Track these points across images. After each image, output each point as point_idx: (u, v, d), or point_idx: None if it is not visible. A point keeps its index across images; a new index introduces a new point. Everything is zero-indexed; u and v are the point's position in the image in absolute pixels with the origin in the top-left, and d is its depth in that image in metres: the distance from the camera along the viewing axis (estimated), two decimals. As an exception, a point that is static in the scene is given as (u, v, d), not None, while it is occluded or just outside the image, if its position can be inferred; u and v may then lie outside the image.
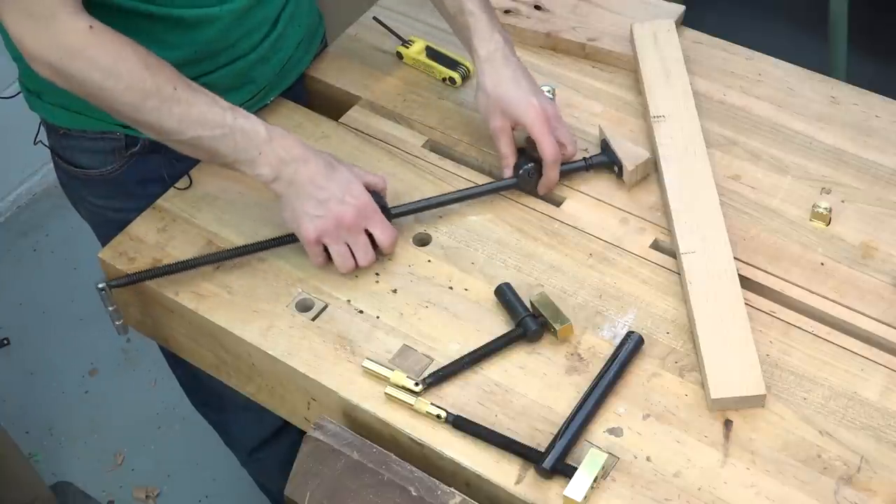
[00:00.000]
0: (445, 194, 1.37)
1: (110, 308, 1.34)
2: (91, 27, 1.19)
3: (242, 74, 1.43)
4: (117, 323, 1.38)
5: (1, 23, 1.21)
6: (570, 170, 1.39)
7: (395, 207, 1.33)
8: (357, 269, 1.31)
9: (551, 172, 1.36)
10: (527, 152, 1.38)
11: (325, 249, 1.30)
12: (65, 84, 1.21)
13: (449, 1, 1.39)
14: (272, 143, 1.25)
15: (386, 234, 1.30)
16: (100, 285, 1.31)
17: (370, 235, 1.30)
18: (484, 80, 1.36)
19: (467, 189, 1.38)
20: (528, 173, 1.37)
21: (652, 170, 1.41)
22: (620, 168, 1.39)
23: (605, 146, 1.41)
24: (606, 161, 1.41)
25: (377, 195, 1.31)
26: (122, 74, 1.19)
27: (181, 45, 1.34)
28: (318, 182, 1.26)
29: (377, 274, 1.32)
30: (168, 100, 1.21)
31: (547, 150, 1.34)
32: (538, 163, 1.36)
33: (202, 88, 1.25)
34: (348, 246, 1.29)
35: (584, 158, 1.40)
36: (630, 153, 1.39)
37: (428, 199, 1.36)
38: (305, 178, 1.26)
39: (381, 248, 1.31)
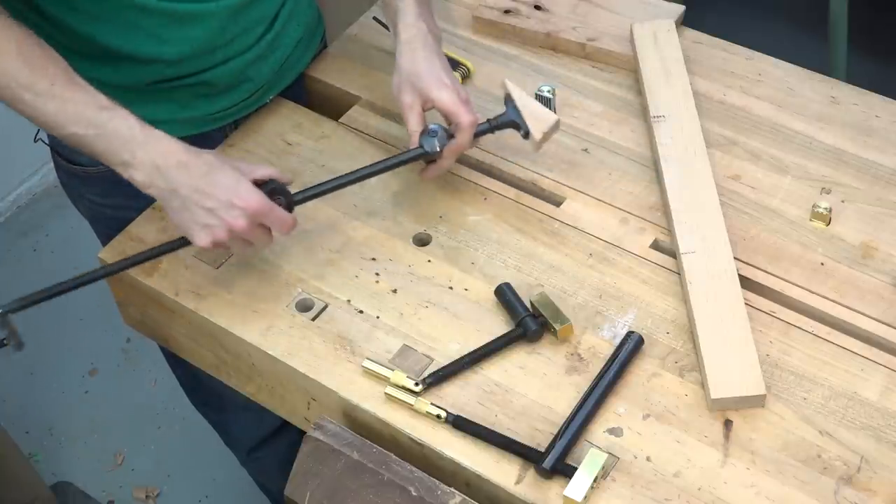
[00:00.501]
0: (350, 173, 1.32)
1: (2, 338, 1.27)
2: None
3: (239, 73, 1.43)
4: (10, 345, 1.31)
5: None
6: (477, 134, 1.34)
7: (296, 193, 1.28)
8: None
9: (464, 135, 1.31)
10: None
11: None
12: None
13: None
14: (147, 147, 1.20)
15: (284, 227, 1.25)
16: None
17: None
18: (400, 60, 1.35)
19: (373, 164, 1.33)
20: (433, 134, 1.32)
21: (558, 130, 1.38)
22: (527, 132, 1.34)
23: (509, 105, 1.36)
24: (511, 122, 1.35)
25: (274, 183, 1.25)
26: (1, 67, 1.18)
27: (175, 41, 1.34)
28: (202, 189, 1.20)
29: (377, 274, 1.32)
30: (42, 95, 1.19)
31: (462, 116, 1.30)
32: (446, 130, 1.33)
33: (86, 85, 1.22)
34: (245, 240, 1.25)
35: (489, 120, 1.35)
36: (537, 115, 1.34)
37: (331, 179, 1.31)
38: (188, 185, 1.20)
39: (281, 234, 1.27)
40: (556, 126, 1.35)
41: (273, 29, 1.44)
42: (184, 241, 1.26)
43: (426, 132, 1.32)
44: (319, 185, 1.31)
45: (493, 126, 1.35)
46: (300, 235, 1.37)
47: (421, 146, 1.32)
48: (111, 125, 1.20)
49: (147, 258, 1.28)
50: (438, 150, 1.31)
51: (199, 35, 1.35)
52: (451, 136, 1.32)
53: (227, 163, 1.24)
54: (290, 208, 1.27)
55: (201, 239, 1.22)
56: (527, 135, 1.35)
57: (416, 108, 1.33)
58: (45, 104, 1.20)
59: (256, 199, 1.22)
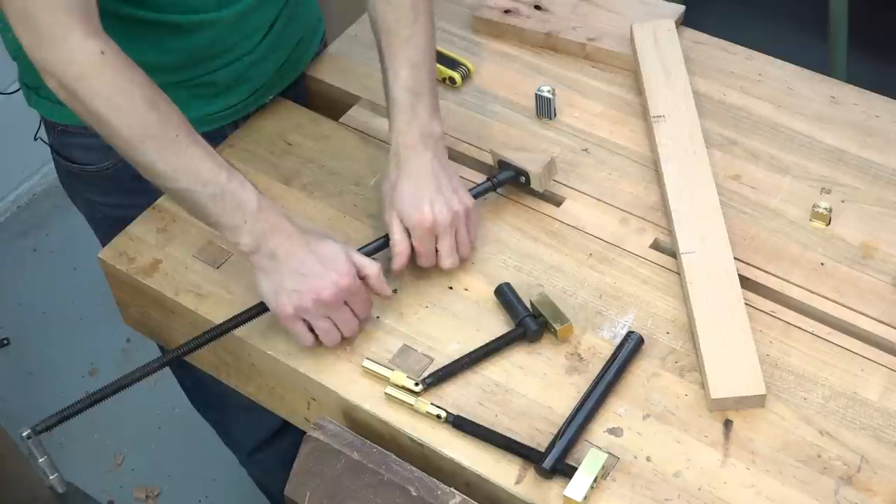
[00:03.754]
0: None
1: (41, 460, 1.23)
2: (102, 52, 1.15)
3: (240, 74, 1.43)
4: (51, 477, 1.27)
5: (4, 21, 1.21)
6: (478, 193, 1.35)
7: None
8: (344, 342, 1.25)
9: (419, 259, 1.29)
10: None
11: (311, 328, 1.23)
12: (68, 101, 1.18)
13: (384, 68, 1.32)
14: (259, 214, 1.19)
15: (365, 311, 1.24)
16: (24, 433, 1.20)
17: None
18: (388, 170, 1.30)
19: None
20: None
21: (557, 169, 1.39)
22: (527, 177, 1.36)
23: (504, 164, 1.37)
24: (512, 175, 1.37)
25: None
26: (125, 110, 1.16)
27: (177, 50, 1.34)
28: (299, 255, 1.19)
29: (377, 274, 1.32)
30: (169, 145, 1.17)
31: (418, 251, 1.28)
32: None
33: (202, 140, 1.21)
34: (332, 320, 1.22)
35: (490, 178, 1.37)
36: (531, 159, 1.36)
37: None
38: (286, 251, 1.19)
39: (362, 317, 1.24)
40: (553, 163, 1.37)
41: (273, 31, 1.44)
42: (260, 309, 1.24)
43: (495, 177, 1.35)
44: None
45: (495, 184, 1.37)
46: (300, 235, 1.36)
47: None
48: (230, 188, 1.19)
49: (215, 336, 1.25)
50: None
51: (201, 43, 1.36)
52: None
53: (332, 239, 1.23)
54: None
55: (285, 307, 1.20)
56: (527, 178, 1.36)
57: (397, 222, 1.28)
58: (169, 155, 1.17)
59: (351, 275, 1.20)
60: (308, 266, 1.19)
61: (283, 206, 1.25)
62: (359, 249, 1.26)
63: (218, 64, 1.39)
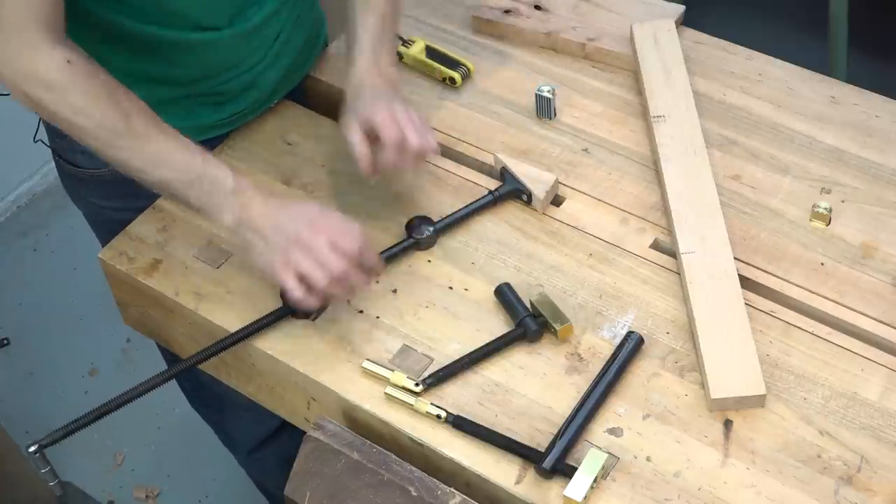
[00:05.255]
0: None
1: (43, 470, 1.26)
2: (69, 61, 1.17)
3: (247, 84, 1.44)
4: (51, 484, 1.30)
5: None
6: (479, 206, 1.36)
7: None
8: (344, 289, 1.23)
9: (387, 153, 1.29)
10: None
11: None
12: (37, 110, 1.21)
13: (351, 17, 1.38)
14: (236, 192, 1.21)
15: (346, 235, 1.21)
16: (31, 448, 1.22)
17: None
18: (346, 102, 1.34)
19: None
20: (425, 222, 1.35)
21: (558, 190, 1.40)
22: (529, 196, 1.37)
23: (506, 175, 1.38)
24: (514, 189, 1.38)
25: None
26: (93, 114, 1.19)
27: (188, 65, 1.36)
28: (278, 218, 1.21)
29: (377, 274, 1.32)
30: (139, 140, 1.20)
31: (385, 139, 1.28)
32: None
33: (171, 130, 1.23)
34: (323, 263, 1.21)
35: (491, 191, 1.38)
36: (536, 178, 1.37)
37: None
38: (265, 220, 1.21)
39: (349, 251, 1.21)
40: (555, 184, 1.37)
41: (280, 39, 1.45)
42: (283, 311, 1.26)
43: (417, 223, 1.34)
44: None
45: (496, 197, 1.37)
46: (300, 235, 1.36)
47: (412, 237, 1.34)
48: (207, 171, 1.21)
49: (222, 348, 1.26)
50: (427, 235, 1.33)
51: (212, 58, 1.37)
52: (437, 231, 1.34)
53: (311, 202, 1.25)
54: None
55: (276, 264, 1.20)
56: (529, 198, 1.37)
57: (354, 130, 1.30)
58: (142, 149, 1.21)
59: (325, 216, 1.22)
60: (287, 225, 1.21)
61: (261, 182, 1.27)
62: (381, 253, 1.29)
63: (228, 76, 1.40)
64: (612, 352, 1.22)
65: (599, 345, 1.24)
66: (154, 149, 1.21)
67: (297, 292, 1.20)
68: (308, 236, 1.20)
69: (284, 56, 1.47)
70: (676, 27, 1.57)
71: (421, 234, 1.33)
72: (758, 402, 1.17)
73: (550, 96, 1.47)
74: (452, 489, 1.13)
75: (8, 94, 1.59)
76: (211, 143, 1.46)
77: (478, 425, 1.16)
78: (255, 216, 1.21)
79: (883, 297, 1.27)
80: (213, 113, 1.44)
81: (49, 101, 1.18)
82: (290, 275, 1.20)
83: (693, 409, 1.18)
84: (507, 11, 1.62)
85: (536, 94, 1.48)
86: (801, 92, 1.51)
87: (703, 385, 1.19)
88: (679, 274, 1.30)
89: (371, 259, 1.24)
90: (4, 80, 1.19)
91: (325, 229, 1.21)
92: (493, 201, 1.37)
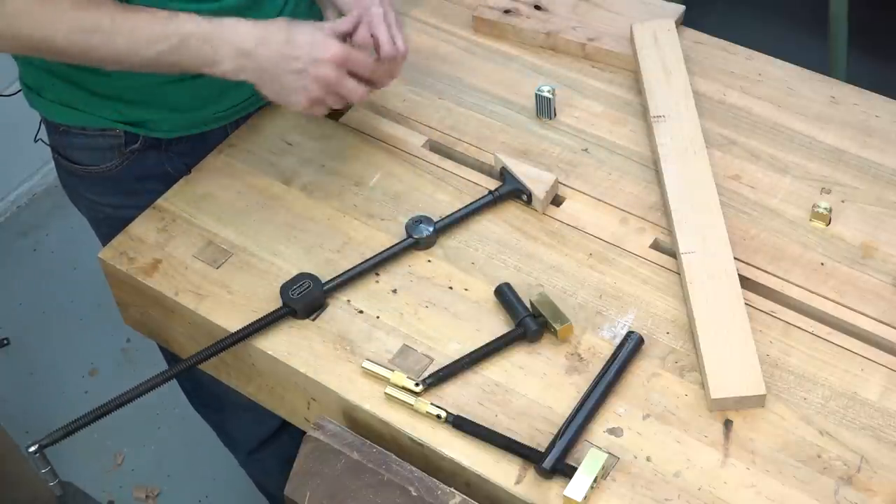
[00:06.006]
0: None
1: (43, 470, 1.27)
2: None
3: None
4: (51, 484, 1.31)
5: None
6: (479, 206, 1.37)
7: (329, 282, 1.29)
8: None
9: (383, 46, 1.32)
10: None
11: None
12: (11, 47, 1.23)
13: None
14: (223, 38, 1.23)
15: (366, 70, 1.28)
16: (31, 448, 1.22)
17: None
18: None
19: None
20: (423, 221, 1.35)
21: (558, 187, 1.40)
22: (529, 196, 1.37)
23: (506, 175, 1.39)
24: (514, 190, 1.38)
25: (312, 280, 1.27)
26: (58, 24, 1.20)
27: None
28: (285, 54, 1.24)
29: (377, 274, 1.32)
30: (110, 31, 1.21)
31: (357, 30, 1.32)
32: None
33: (138, 6, 1.24)
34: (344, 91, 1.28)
35: (491, 191, 1.38)
36: (536, 178, 1.37)
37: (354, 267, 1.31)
38: (272, 57, 1.24)
39: (373, 79, 1.29)
40: (555, 184, 1.37)
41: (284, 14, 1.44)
42: (283, 311, 1.26)
43: (417, 222, 1.34)
44: (347, 272, 1.31)
45: (496, 197, 1.37)
46: (300, 235, 1.37)
47: (412, 237, 1.33)
48: (183, 30, 1.22)
49: (229, 345, 1.26)
50: (427, 235, 1.33)
51: None
52: (437, 230, 1.34)
53: (300, 22, 1.27)
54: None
55: (301, 103, 1.26)
56: (529, 198, 1.37)
57: (329, 16, 1.36)
58: (116, 39, 1.22)
59: (337, 46, 1.25)
60: (299, 60, 1.24)
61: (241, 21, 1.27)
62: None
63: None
64: (612, 352, 1.22)
65: (599, 345, 1.24)
66: (128, 33, 1.21)
67: (319, 110, 1.28)
68: (334, 79, 1.24)
69: None
70: (676, 27, 1.57)
71: (421, 234, 1.33)
72: (758, 402, 1.17)
73: (550, 96, 1.47)
74: (452, 489, 1.13)
75: (9, 96, 1.59)
76: (207, 137, 1.46)
77: (478, 425, 1.16)
78: (259, 61, 1.23)
79: (883, 297, 1.27)
80: (208, 106, 1.44)
81: (16, 29, 1.19)
82: (315, 108, 1.28)
83: (693, 409, 1.18)
84: (507, 11, 1.62)
85: (536, 94, 1.48)
86: (801, 92, 1.51)
87: (703, 385, 1.19)
88: (679, 274, 1.30)
89: (359, 61, 1.27)
90: None
91: (348, 64, 1.25)
92: (493, 201, 1.38)
